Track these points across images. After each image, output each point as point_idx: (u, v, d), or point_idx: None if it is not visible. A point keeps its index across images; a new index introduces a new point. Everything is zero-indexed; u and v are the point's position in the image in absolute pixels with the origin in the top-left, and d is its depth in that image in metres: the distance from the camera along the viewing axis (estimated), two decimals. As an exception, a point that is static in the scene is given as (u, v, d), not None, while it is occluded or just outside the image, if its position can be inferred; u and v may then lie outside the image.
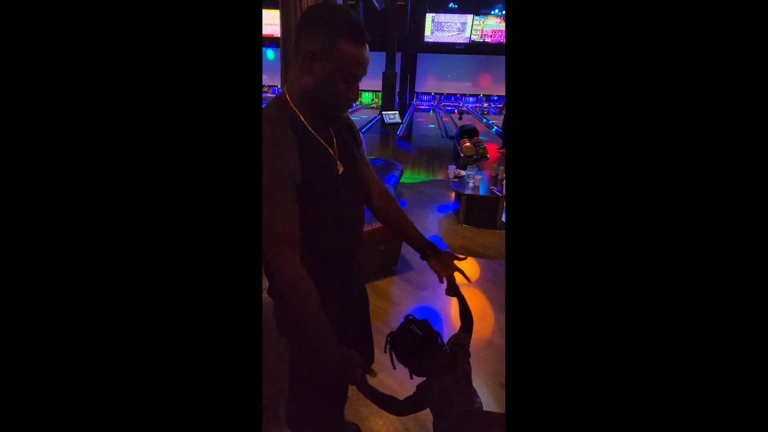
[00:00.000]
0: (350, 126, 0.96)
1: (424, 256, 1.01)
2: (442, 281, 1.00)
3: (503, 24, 13.35)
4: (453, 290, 1.00)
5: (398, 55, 10.53)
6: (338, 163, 0.87)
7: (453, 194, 4.03)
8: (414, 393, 0.87)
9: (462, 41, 14.02)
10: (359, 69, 0.78)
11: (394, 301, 2.34)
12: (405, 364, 0.86)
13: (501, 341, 1.99)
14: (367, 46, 0.78)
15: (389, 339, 0.87)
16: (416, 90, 16.49)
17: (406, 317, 0.88)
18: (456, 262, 1.00)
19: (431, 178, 5.05)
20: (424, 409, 0.89)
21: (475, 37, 13.77)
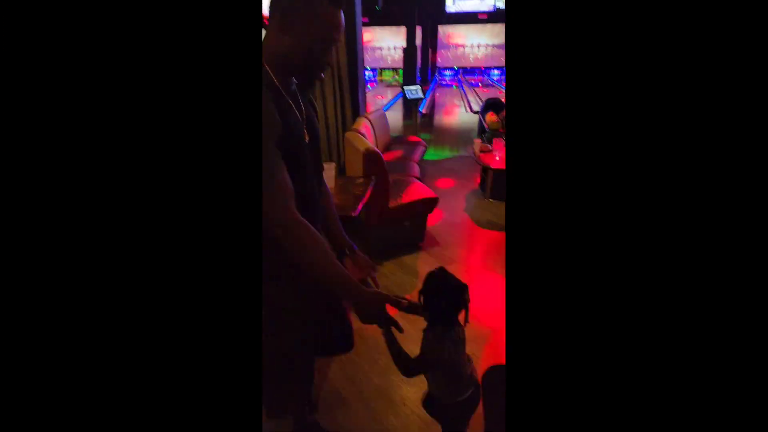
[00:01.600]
0: (314, 105, 0.97)
1: (340, 255, 1.04)
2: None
3: (529, -12, 12.60)
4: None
5: (418, 29, 10.17)
6: (305, 131, 0.87)
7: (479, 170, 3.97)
8: (422, 352, 0.91)
9: (486, 10, 13.40)
10: (336, 32, 0.78)
11: (422, 275, 2.38)
12: (428, 307, 0.94)
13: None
14: (342, 11, 0.78)
15: (427, 279, 0.98)
16: (438, 65, 15.97)
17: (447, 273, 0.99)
18: (370, 268, 1.05)
19: (456, 154, 4.99)
20: (433, 370, 0.94)
21: (499, 5, 13.11)
